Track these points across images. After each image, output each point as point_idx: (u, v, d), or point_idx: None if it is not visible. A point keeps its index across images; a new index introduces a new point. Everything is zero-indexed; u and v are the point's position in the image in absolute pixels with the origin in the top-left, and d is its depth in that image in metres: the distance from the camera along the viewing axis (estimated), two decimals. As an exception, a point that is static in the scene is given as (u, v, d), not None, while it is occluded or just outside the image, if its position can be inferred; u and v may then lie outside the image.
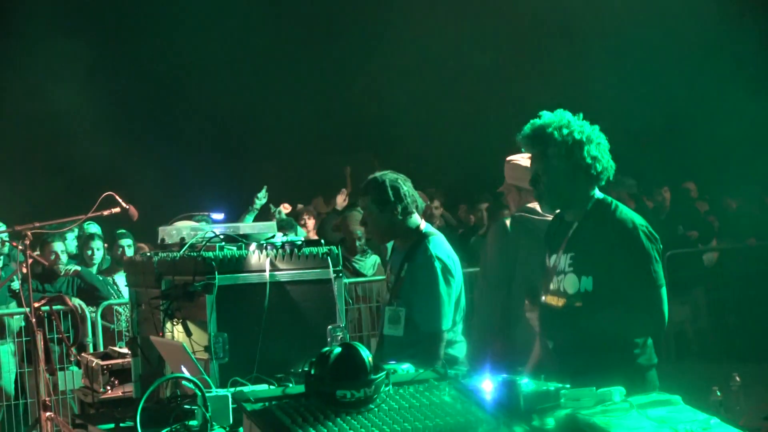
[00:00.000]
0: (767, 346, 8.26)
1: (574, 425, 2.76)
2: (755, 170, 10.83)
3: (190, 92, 13.46)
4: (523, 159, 4.50)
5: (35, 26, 11.96)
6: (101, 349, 6.81)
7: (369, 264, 7.95)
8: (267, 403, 2.83)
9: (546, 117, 3.58)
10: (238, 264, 3.56)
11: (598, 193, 3.59)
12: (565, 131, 3.50)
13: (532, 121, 3.61)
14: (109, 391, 4.24)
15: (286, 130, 13.91)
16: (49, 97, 11.67)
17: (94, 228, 8.48)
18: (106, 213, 5.06)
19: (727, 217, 10.72)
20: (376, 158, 12.23)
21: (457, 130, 13.94)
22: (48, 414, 4.94)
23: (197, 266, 3.54)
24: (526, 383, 2.96)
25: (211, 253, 3.55)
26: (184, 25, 12.60)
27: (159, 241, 4.07)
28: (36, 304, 5.12)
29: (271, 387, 3.21)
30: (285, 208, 9.05)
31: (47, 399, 5.03)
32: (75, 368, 6.80)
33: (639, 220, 3.52)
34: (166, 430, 3.10)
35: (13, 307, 7.42)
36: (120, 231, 8.30)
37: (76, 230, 8.47)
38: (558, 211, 3.74)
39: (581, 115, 3.60)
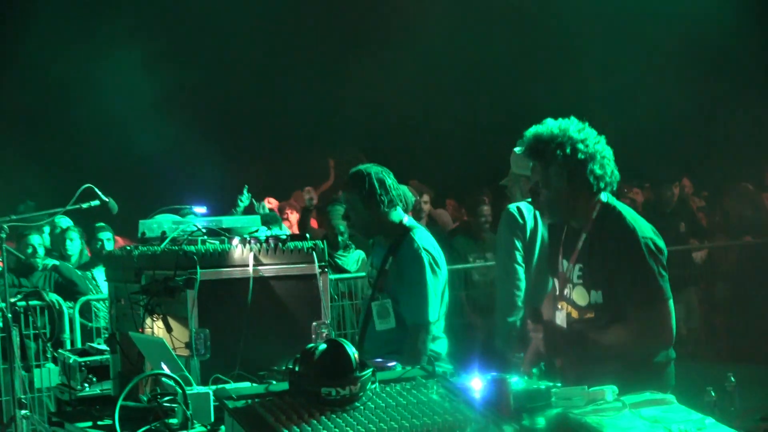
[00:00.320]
0: (763, 346, 8.24)
1: (565, 425, 2.73)
2: (750, 168, 10.82)
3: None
4: None
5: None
6: (79, 346, 6.72)
7: (352, 259, 7.86)
8: (250, 401, 2.78)
9: (549, 128, 3.43)
10: (221, 258, 3.50)
11: (603, 197, 3.46)
12: (568, 150, 3.36)
13: (534, 129, 3.47)
14: (87, 389, 4.16)
15: (271, 127, 13.84)
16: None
17: (65, 222, 8.36)
18: (84, 206, 4.96)
19: (723, 215, 10.68)
20: (363, 154, 12.17)
21: (446, 126, 13.90)
22: (23, 412, 4.86)
23: (178, 260, 3.47)
24: (516, 381, 2.92)
25: (192, 247, 3.50)
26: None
27: (140, 235, 3.99)
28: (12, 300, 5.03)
29: (254, 384, 3.15)
30: (269, 203, 9.00)
31: (22, 397, 4.95)
32: (52, 365, 6.69)
33: (643, 231, 3.37)
34: (145, 428, 3.05)
35: (-13, 302, 7.31)
36: (99, 224, 8.19)
37: (48, 228, 8.34)
38: None
39: (587, 123, 3.45)
